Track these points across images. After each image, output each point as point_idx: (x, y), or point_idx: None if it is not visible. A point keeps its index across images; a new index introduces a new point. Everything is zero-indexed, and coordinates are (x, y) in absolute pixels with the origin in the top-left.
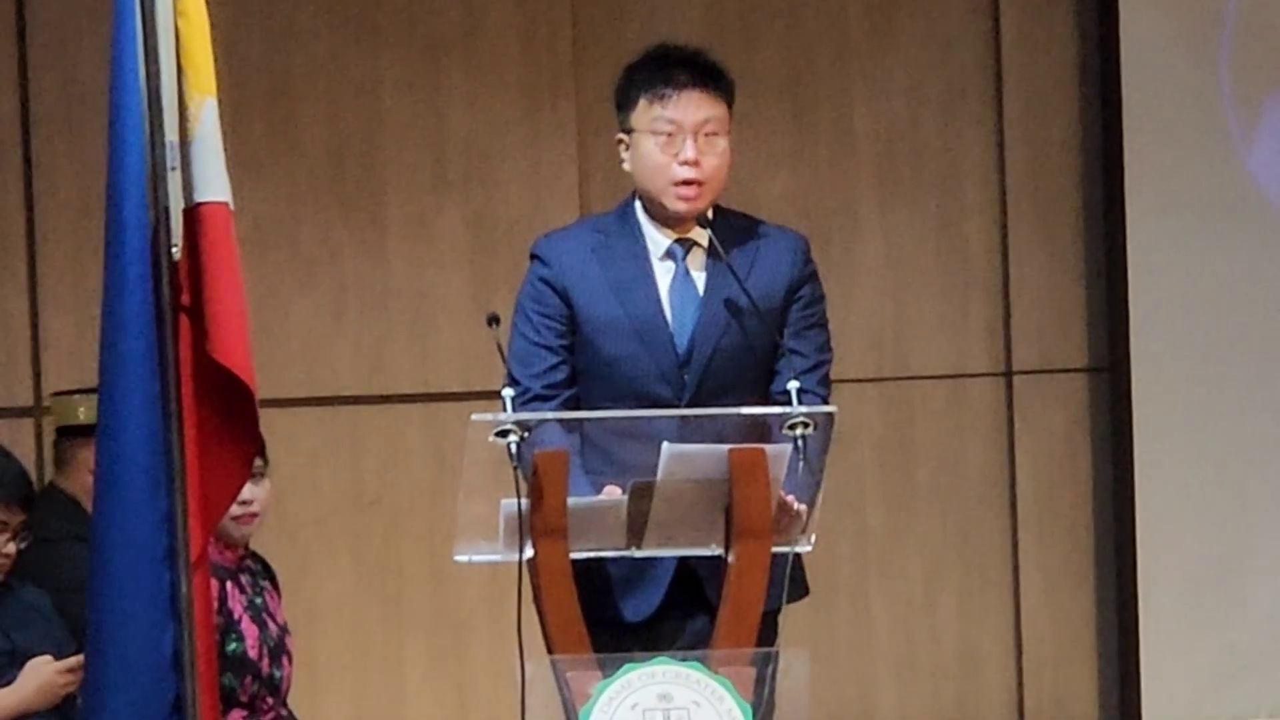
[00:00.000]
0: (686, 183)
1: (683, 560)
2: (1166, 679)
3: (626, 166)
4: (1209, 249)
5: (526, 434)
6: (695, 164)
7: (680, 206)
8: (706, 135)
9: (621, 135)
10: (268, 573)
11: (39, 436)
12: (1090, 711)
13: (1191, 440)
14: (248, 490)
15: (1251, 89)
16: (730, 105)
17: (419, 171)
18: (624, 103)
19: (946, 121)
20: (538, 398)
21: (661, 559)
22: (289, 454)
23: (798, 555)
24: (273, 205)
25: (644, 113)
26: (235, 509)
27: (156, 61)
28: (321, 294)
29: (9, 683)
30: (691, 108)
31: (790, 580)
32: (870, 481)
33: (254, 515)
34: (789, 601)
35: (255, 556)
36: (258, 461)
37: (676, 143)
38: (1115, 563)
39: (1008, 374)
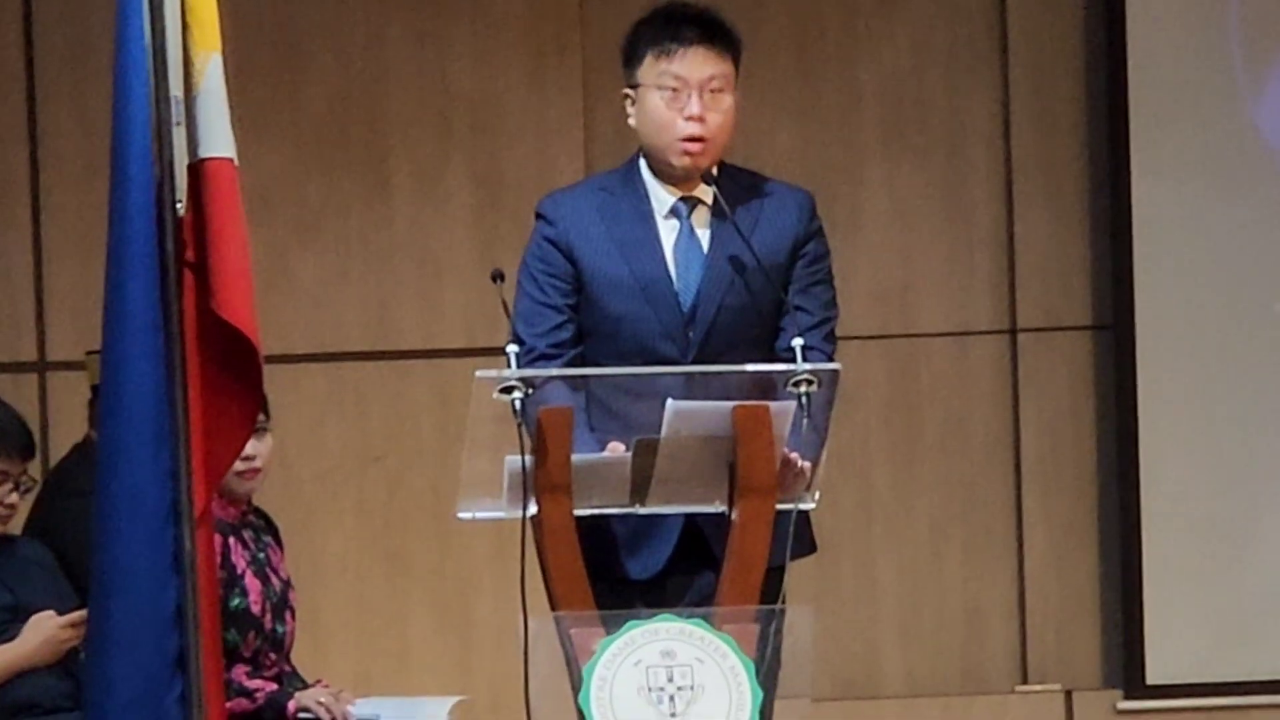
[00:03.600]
0: (691, 139)
1: (689, 517)
2: (1171, 638)
3: (632, 122)
4: (1215, 206)
5: (531, 391)
6: (700, 120)
7: (684, 162)
8: (712, 92)
9: (628, 90)
10: (270, 528)
11: (43, 391)
12: (1094, 670)
13: (1196, 398)
14: (251, 446)
15: (1261, 44)
16: (737, 63)
17: (424, 127)
18: (631, 58)
19: (952, 78)
20: (543, 356)
21: (668, 517)
22: (293, 410)
23: (804, 511)
24: (278, 161)
25: (650, 68)
26: (238, 464)
27: (161, 17)
28: (326, 250)
29: (12, 638)
30: (697, 64)
31: (797, 537)
32: (874, 439)
33: (257, 470)
34: (796, 558)
35: (258, 512)
36: (260, 417)
37: (681, 98)
38: (1119, 521)
39: (1012, 331)
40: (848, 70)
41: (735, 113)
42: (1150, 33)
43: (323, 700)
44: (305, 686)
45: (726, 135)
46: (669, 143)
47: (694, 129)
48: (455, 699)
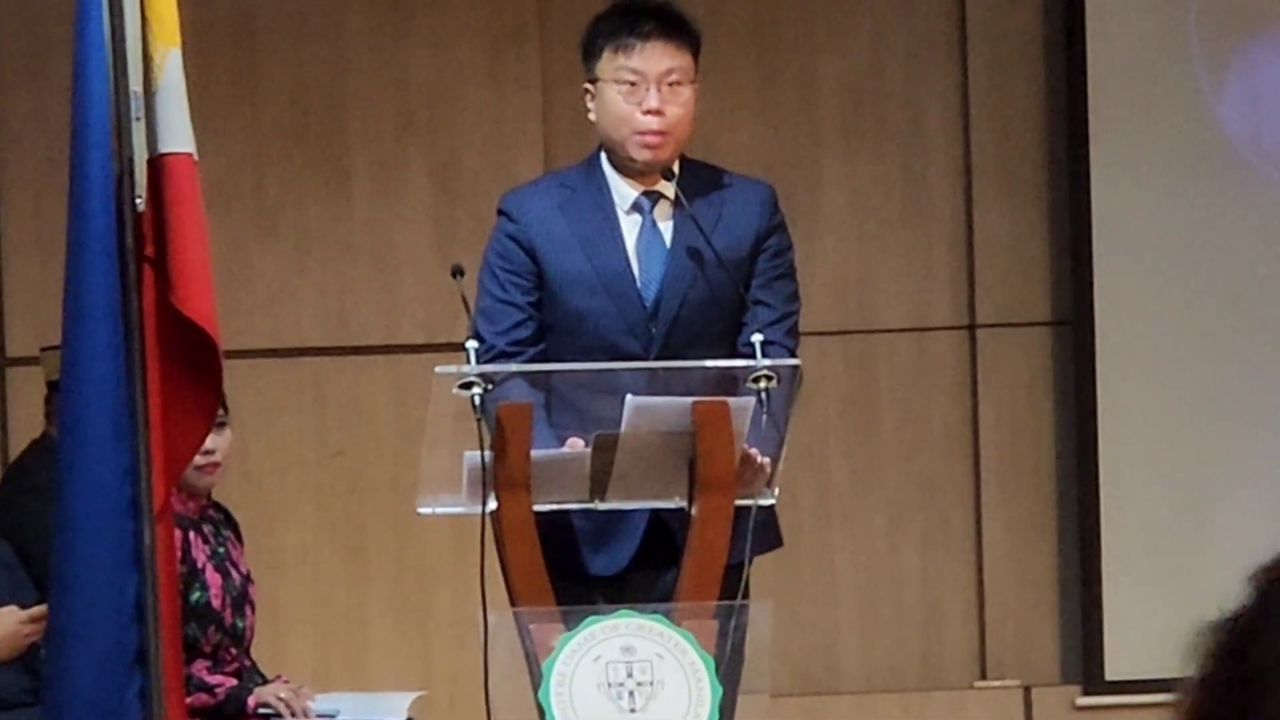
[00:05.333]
0: (650, 132)
1: (655, 514)
2: (1129, 634)
3: (592, 117)
4: (1174, 201)
5: (490, 387)
6: (658, 113)
7: (644, 155)
8: (670, 85)
9: (587, 85)
10: (230, 522)
11: (2, 388)
12: (1052, 665)
13: (1155, 394)
14: (210, 440)
15: (1221, 37)
16: (696, 56)
17: (383, 121)
18: (590, 53)
19: (911, 72)
20: (503, 354)
21: (632, 514)
22: (253, 405)
23: (770, 506)
24: (237, 155)
25: (608, 62)
26: (198, 459)
27: (121, 12)
28: (285, 244)
29: None
30: (655, 57)
31: (763, 531)
32: (833, 434)
33: (216, 465)
34: (762, 552)
35: (217, 506)
36: (219, 411)
37: (640, 92)
38: (1078, 517)
39: (971, 327)
40: (806, 65)
41: (695, 105)
42: (1110, 28)
43: (283, 695)
44: (265, 682)
45: (686, 128)
46: (628, 136)
47: (652, 122)
48: (415, 694)
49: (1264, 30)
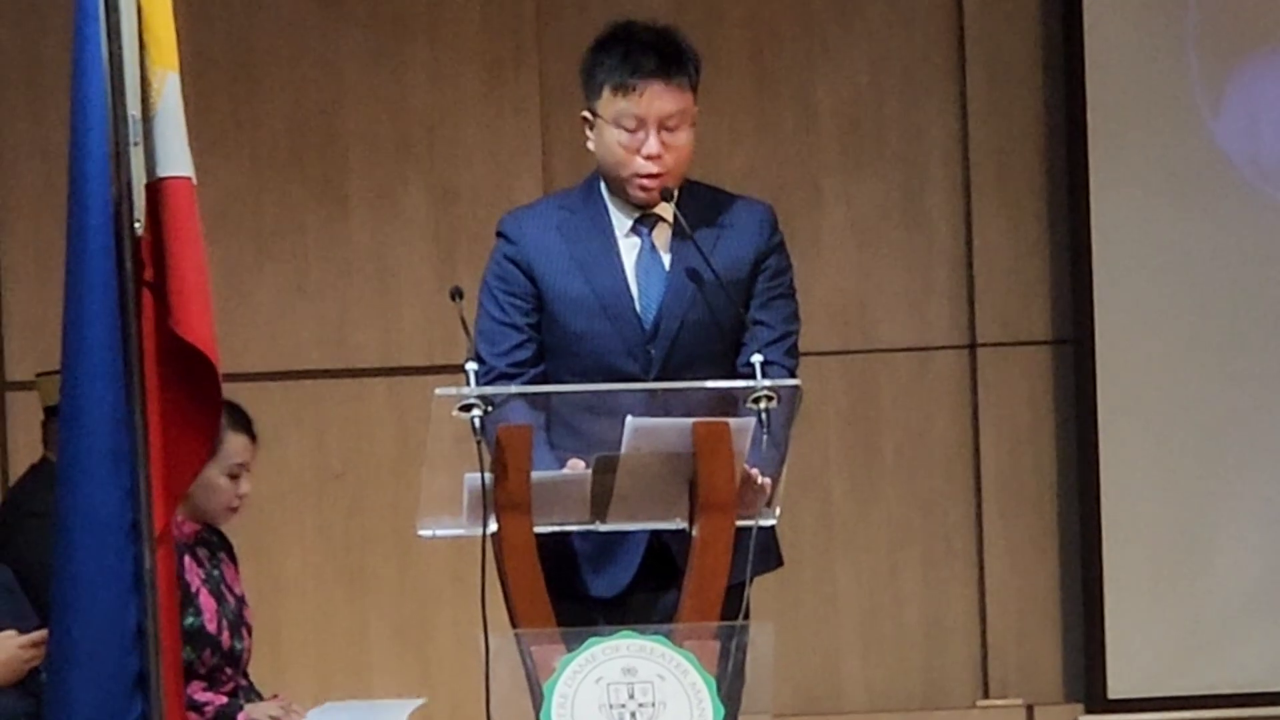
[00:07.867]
0: (649, 175)
1: (655, 535)
2: (1132, 652)
3: (591, 146)
4: (1174, 220)
5: (490, 409)
6: (658, 158)
7: (640, 196)
8: (670, 129)
9: (586, 115)
10: (224, 545)
11: (2, 412)
12: (1055, 683)
13: (1155, 413)
14: (244, 484)
15: (1218, 57)
16: (696, 88)
17: (382, 145)
18: (589, 86)
19: (910, 94)
20: (503, 376)
21: (632, 535)
22: None
23: (770, 526)
24: (235, 179)
25: (608, 104)
26: (234, 502)
27: (118, 36)
28: (284, 268)
29: None
30: (655, 103)
31: (764, 551)
32: (834, 454)
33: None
34: (763, 572)
35: (212, 529)
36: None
37: (639, 138)
38: (1079, 535)
39: (972, 347)
40: (805, 87)
41: (694, 135)
42: (1108, 47)
43: (273, 714)
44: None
45: (685, 164)
46: (626, 178)
47: (651, 168)
48: (415, 702)
49: (1262, 48)
